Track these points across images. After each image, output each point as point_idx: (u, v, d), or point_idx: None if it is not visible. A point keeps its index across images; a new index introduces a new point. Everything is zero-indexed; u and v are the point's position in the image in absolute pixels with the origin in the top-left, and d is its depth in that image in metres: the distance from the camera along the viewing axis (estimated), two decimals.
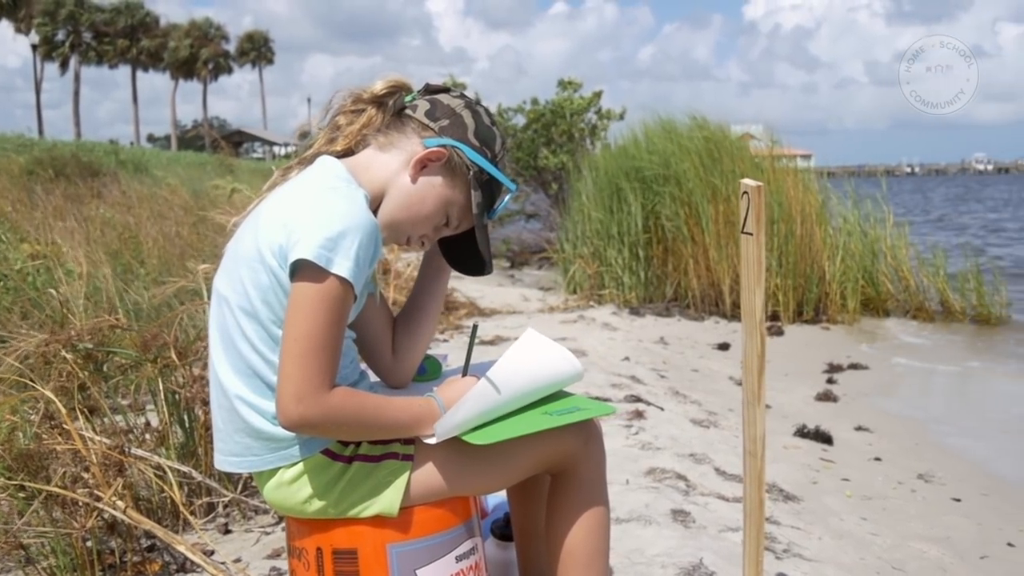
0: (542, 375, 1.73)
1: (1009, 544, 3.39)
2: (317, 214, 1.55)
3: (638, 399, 4.60)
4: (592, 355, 5.85)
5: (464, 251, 1.86)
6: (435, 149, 1.71)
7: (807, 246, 8.83)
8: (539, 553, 1.97)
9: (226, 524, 2.93)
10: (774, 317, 8.66)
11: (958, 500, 3.84)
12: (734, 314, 8.77)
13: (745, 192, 1.95)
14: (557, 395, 1.82)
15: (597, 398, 4.58)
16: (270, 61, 74.84)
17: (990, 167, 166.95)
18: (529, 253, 14.28)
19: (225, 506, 2.99)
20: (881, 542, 3.18)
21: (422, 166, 1.71)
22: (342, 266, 1.51)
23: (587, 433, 1.81)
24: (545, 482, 1.87)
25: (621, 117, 14.42)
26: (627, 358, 5.93)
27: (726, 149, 9.26)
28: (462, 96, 1.81)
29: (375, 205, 1.71)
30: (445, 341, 6.29)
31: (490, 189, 1.77)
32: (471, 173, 1.73)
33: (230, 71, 71.75)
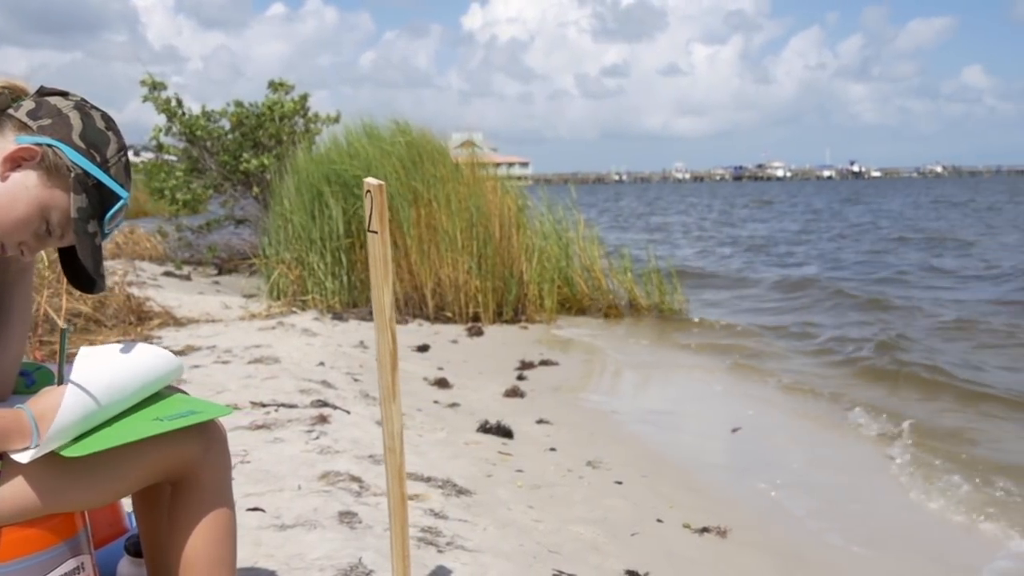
0: (135, 370, 1.67)
1: (658, 520, 3.68)
2: None
3: (325, 404, 4.56)
4: (285, 361, 5.74)
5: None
6: (27, 146, 1.59)
7: (506, 249, 9.17)
8: (168, 567, 1.89)
9: None
10: (475, 318, 8.93)
11: (620, 483, 4.11)
12: (437, 316, 8.96)
13: (368, 191, 1.98)
14: (170, 399, 1.76)
15: (283, 404, 4.51)
16: None
17: (687, 176, 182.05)
18: (239, 259, 13.83)
19: None
20: (543, 528, 3.34)
21: (14, 165, 1.60)
22: None
23: (208, 437, 1.75)
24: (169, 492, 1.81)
25: (336, 121, 14.29)
26: (322, 363, 5.88)
27: (428, 154, 9.42)
28: (80, 100, 1.70)
29: None
30: None
31: (99, 196, 1.67)
32: (72, 175, 1.63)
33: None
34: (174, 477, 1.74)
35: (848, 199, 52.24)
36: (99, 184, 1.67)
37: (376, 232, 1.97)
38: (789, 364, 7.60)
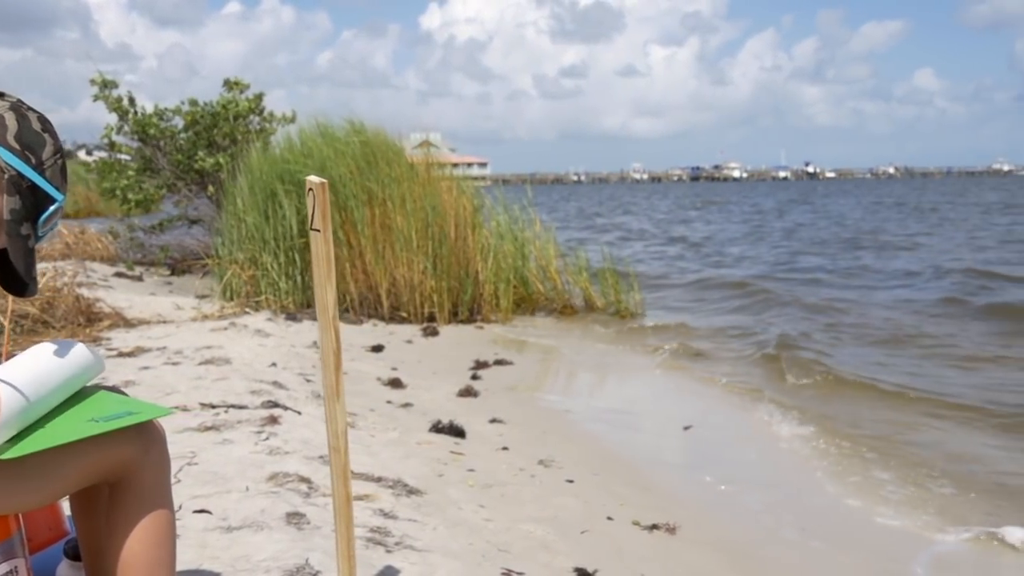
0: (55, 363, 1.67)
1: (609, 518, 3.69)
2: None
3: (275, 404, 4.53)
4: (237, 362, 5.69)
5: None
6: None
7: (461, 249, 9.16)
8: (107, 570, 1.87)
9: None
10: (431, 318, 8.91)
11: (571, 481, 4.13)
12: (392, 316, 8.93)
13: (310, 189, 1.97)
14: (107, 399, 1.74)
15: (233, 405, 4.46)
16: None
17: (645, 176, 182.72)
18: (192, 260, 13.66)
19: None
20: (493, 527, 3.35)
21: None
22: None
23: (146, 438, 1.74)
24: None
25: (292, 121, 14.17)
26: (274, 364, 5.83)
27: (383, 154, 9.39)
28: (16, 101, 1.69)
29: None
30: None
31: (33, 198, 1.65)
32: (6, 177, 1.61)
33: None
34: (112, 478, 1.72)
35: (795, 199, 52.93)
36: (34, 186, 1.65)
37: (319, 231, 1.96)
38: (737, 364, 7.68)
